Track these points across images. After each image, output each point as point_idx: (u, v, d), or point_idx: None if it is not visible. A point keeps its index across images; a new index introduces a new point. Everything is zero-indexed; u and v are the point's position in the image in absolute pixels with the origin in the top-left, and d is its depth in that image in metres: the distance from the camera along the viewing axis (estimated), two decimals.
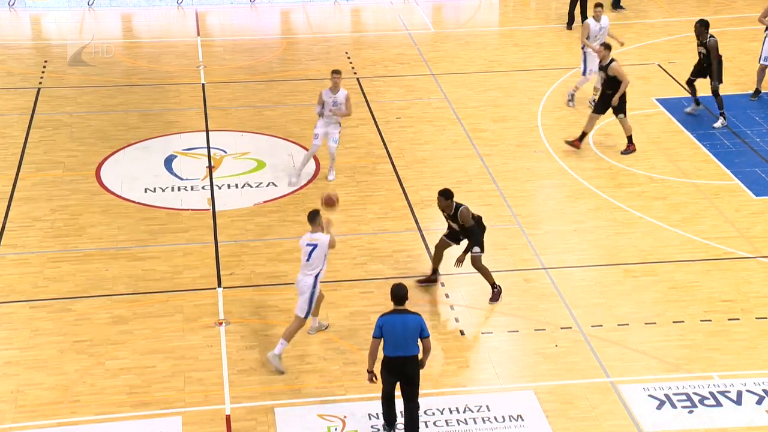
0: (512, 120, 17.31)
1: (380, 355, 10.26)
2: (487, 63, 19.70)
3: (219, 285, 12.94)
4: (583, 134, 16.01)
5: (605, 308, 12.46)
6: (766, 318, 12.25)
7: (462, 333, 12.06)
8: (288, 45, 20.74)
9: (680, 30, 21.22)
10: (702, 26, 16.64)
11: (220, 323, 12.19)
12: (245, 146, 16.29)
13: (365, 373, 10.60)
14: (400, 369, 10.21)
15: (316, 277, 11.45)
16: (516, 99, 18.13)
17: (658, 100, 17.89)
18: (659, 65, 19.40)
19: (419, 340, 10.18)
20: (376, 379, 10.36)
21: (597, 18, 17.27)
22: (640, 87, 18.45)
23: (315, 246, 11.36)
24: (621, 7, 22.25)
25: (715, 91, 16.69)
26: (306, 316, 11.50)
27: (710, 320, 12.23)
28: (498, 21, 22.48)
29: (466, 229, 12.47)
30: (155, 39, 21.06)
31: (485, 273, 12.59)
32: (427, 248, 13.57)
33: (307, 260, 11.39)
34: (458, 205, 12.41)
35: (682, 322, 12.20)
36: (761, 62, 17.61)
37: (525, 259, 13.46)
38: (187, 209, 14.51)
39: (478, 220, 12.54)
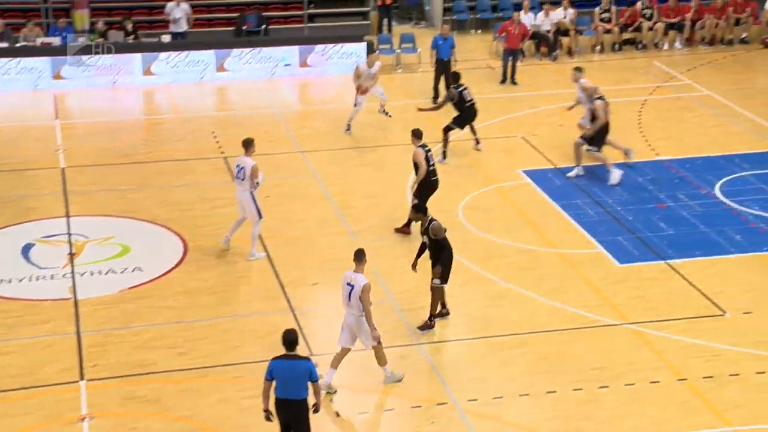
0: (382, 196, 17.31)
1: None
2: (356, 140, 19.71)
3: (82, 378, 12.35)
4: None
5: (479, 382, 12.37)
6: (634, 384, 12.35)
7: (338, 414, 11.78)
8: (151, 126, 20.39)
9: (540, 102, 21.76)
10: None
11: (83, 418, 11.60)
12: (109, 231, 15.79)
13: None
14: (288, 411, 10.49)
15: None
16: (385, 174, 18.15)
17: (524, 171, 18.19)
18: (523, 138, 19.79)
19: (310, 384, 10.44)
20: (272, 416, 10.57)
21: (370, 65, 19.55)
22: (505, 159, 18.74)
23: (353, 287, 11.84)
24: (514, 83, 22.75)
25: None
26: (379, 342, 12.03)
27: (581, 389, 12.26)
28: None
29: (437, 242, 13.04)
30: (11, 123, 20.42)
31: (434, 302, 13.20)
32: (301, 329, 13.28)
33: (348, 300, 11.92)
34: (432, 219, 13.22)
35: (554, 392, 12.20)
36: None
37: (400, 335, 13.32)
38: (47, 299, 13.91)
39: (448, 249, 13.09)
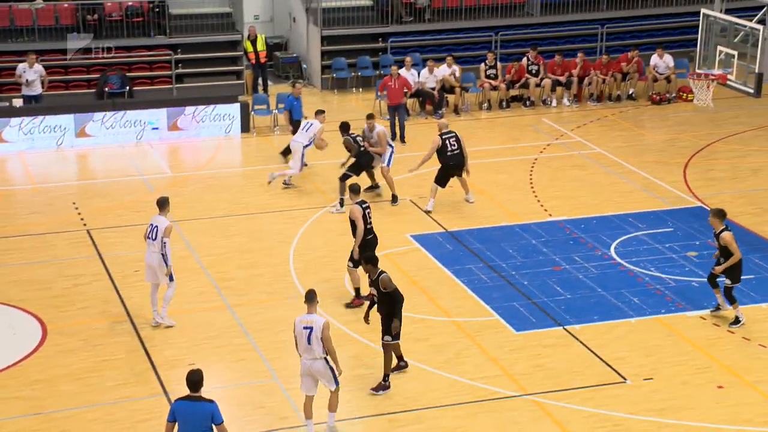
0: (262, 266, 17.02)
1: None
2: (231, 206, 19.44)
3: None
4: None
5: None
6: None
7: None
8: (3, 198, 19.66)
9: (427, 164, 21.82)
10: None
11: None
12: None
13: None
14: None
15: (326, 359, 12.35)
16: (264, 243, 17.90)
17: (413, 236, 18.16)
18: (410, 200, 19.80)
19: (214, 426, 10.57)
20: None
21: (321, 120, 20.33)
22: (393, 223, 18.70)
23: (311, 329, 12.25)
24: (403, 142, 22.85)
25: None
26: (338, 385, 12.47)
27: None
28: (241, 161, 22.38)
29: (387, 295, 13.40)
30: None
31: (387, 362, 13.45)
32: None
33: (308, 344, 12.28)
34: (381, 272, 13.52)
35: None
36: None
37: (284, 417, 12.97)
38: None
39: (401, 297, 13.47)
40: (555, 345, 14.76)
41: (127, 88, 24.37)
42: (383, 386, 13.52)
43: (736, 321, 15.21)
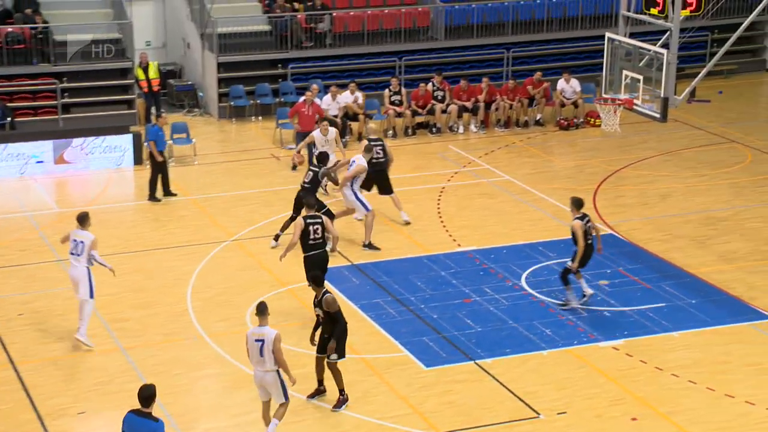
0: (157, 305, 16.83)
1: None
2: (124, 242, 19.23)
3: None
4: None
5: None
6: None
7: None
8: None
9: (333, 193, 21.90)
10: None
11: None
12: None
13: None
14: None
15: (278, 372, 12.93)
16: (160, 281, 17.70)
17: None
18: None
19: None
20: None
21: (323, 132, 20.53)
22: (295, 258, 18.61)
23: (263, 341, 12.80)
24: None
25: None
26: (288, 399, 13.07)
27: None
28: (134, 194, 22.13)
29: (330, 316, 13.81)
30: None
31: (336, 378, 13.98)
32: None
33: (260, 356, 12.85)
34: (326, 292, 13.93)
35: None
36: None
37: None
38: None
39: (344, 321, 13.94)
40: (466, 380, 14.87)
41: (9, 119, 23.93)
42: (342, 401, 14.10)
43: (565, 304, 16.43)
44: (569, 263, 16.49)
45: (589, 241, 16.38)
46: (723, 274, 18.17)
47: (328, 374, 14.12)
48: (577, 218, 16.40)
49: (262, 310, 13.04)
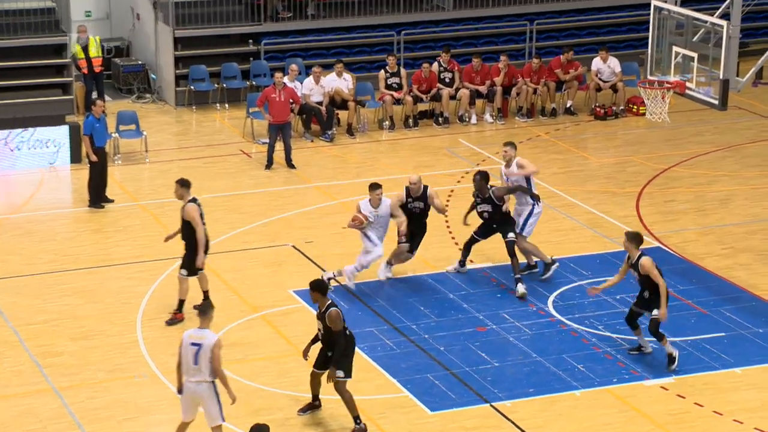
0: (100, 336, 16.87)
1: None
2: (59, 258, 19.26)
3: None
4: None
5: None
6: None
7: None
8: None
9: (315, 198, 21.94)
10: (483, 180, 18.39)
11: None
12: None
13: None
14: None
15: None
16: (103, 305, 17.74)
17: (296, 292, 18.18)
18: (294, 246, 19.82)
19: None
20: None
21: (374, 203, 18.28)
22: (272, 276, 18.70)
23: (200, 346, 13.19)
24: (292, 166, 23.13)
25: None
26: (223, 420, 13.50)
27: None
28: (71, 200, 22.14)
29: (332, 334, 14.38)
30: None
31: (348, 402, 14.44)
32: None
33: (194, 363, 13.22)
34: (330, 305, 14.49)
35: None
36: None
37: None
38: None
39: (350, 338, 14.55)
40: (480, 427, 14.86)
41: None
42: (360, 429, 14.47)
43: (671, 360, 15.96)
44: (656, 313, 15.92)
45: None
46: None
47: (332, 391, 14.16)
48: (642, 256, 16.00)
49: (204, 310, 13.53)
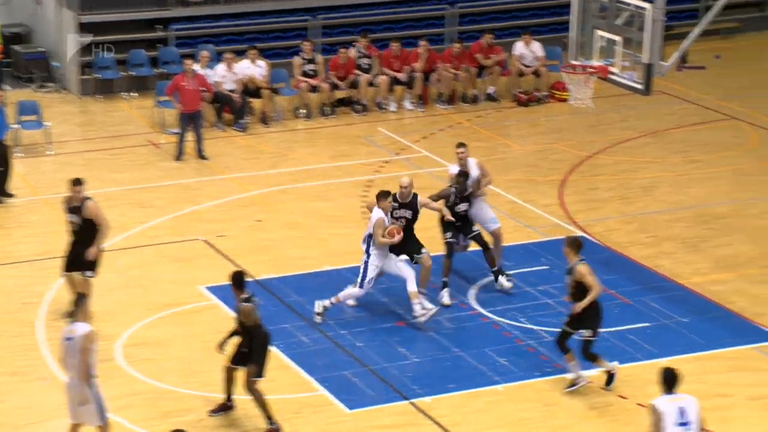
0: None
1: None
2: None
3: None
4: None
5: None
6: None
7: None
8: None
9: (229, 189, 21.83)
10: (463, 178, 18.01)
11: None
12: None
13: None
14: None
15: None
16: (2, 306, 17.60)
17: (208, 288, 18.12)
18: (205, 241, 19.73)
19: None
20: None
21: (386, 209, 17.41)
22: (181, 272, 18.61)
23: (71, 339, 13.25)
24: (203, 157, 22.95)
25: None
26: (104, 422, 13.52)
27: None
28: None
29: (246, 330, 14.43)
30: None
31: (260, 402, 14.44)
32: None
33: (70, 359, 13.29)
34: (245, 299, 14.46)
35: None
36: None
37: None
38: None
39: (264, 334, 14.53)
40: (399, 425, 14.88)
41: None
42: (273, 430, 14.43)
43: (610, 379, 15.66)
44: (585, 333, 15.30)
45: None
46: (721, 284, 18.43)
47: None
48: (583, 261, 15.28)
49: (78, 302, 13.65)
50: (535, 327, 17.12)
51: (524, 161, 23.36)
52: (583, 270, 15.13)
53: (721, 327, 17.21)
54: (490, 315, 17.44)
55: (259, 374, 14.53)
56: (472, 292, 18.08)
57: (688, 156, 23.57)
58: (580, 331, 15.30)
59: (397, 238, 17.04)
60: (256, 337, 14.55)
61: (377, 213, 17.10)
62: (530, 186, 21.94)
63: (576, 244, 15.42)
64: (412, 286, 16.97)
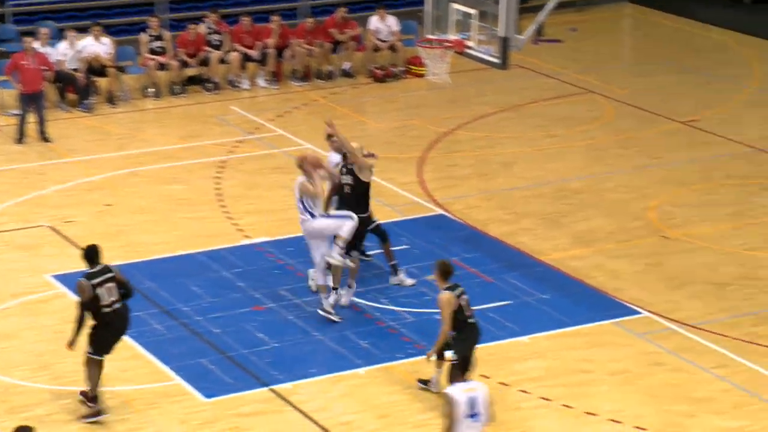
0: None
1: None
2: None
3: None
4: None
5: None
6: None
7: None
8: None
9: (74, 173, 21.61)
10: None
11: None
12: None
13: None
14: None
15: None
16: None
17: (55, 276, 17.98)
18: (51, 227, 19.54)
19: None
20: None
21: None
22: (26, 260, 18.46)
23: None
24: (46, 139, 22.49)
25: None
26: None
27: None
28: None
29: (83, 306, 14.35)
30: None
31: (90, 379, 14.41)
32: None
33: None
34: (86, 272, 14.49)
35: None
36: None
37: None
38: None
39: (111, 314, 14.39)
40: (260, 412, 14.94)
41: None
42: (91, 409, 14.47)
43: (425, 382, 15.36)
44: (451, 355, 14.74)
45: (471, 320, 14.83)
46: (581, 260, 18.85)
47: None
48: (447, 289, 14.75)
49: None
50: (396, 308, 17.30)
51: (382, 138, 23.54)
52: (443, 301, 14.61)
53: (581, 303, 17.61)
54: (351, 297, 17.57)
55: (96, 351, 14.47)
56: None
57: (546, 131, 23.99)
58: (449, 352, 14.95)
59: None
60: (78, 313, 14.46)
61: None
62: (388, 163, 22.10)
63: (442, 270, 14.81)
64: (320, 280, 16.99)
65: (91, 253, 14.61)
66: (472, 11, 19.63)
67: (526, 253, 18.99)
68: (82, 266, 18.07)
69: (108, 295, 14.43)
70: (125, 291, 14.70)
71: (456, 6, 19.90)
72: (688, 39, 29.88)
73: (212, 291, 17.66)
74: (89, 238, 18.82)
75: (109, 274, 14.51)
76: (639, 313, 17.30)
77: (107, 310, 14.44)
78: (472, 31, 19.77)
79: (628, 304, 17.53)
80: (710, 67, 27.69)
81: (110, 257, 18.31)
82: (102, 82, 25.06)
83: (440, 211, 20.30)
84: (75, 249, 18.65)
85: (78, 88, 24.56)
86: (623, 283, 18.13)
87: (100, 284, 14.39)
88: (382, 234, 17.81)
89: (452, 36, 20.00)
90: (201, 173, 21.71)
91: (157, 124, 24.18)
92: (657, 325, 17.01)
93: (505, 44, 19.07)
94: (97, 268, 14.53)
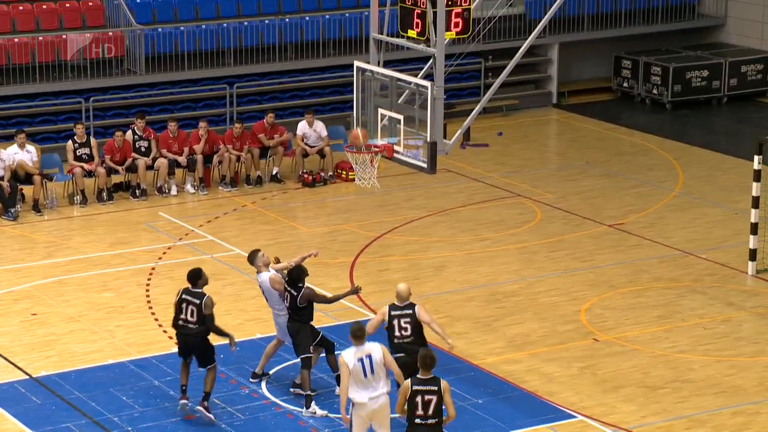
0: None
1: None
2: None
3: None
4: None
5: None
6: None
7: None
8: None
9: (2, 284, 21.39)
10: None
11: None
12: None
13: None
14: None
15: None
16: None
17: None
18: None
19: None
20: None
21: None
22: None
23: None
24: None
25: None
26: None
27: None
28: None
29: None
30: None
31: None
32: None
33: None
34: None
35: None
36: None
37: None
38: None
39: None
40: None
41: None
42: None
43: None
44: None
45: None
46: (515, 363, 18.91)
47: None
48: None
49: None
50: (330, 414, 17.23)
51: (313, 243, 23.54)
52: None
53: (516, 407, 17.63)
54: (283, 404, 17.48)
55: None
56: (263, 382, 18.11)
57: (476, 234, 24.18)
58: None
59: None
60: None
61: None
62: (320, 269, 22.07)
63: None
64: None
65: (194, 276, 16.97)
66: (398, 116, 19.80)
67: (460, 357, 19.02)
68: (11, 377, 17.98)
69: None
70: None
71: (383, 111, 20.08)
72: (612, 143, 30.34)
73: (143, 400, 17.51)
74: (18, 350, 18.78)
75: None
76: (574, 417, 17.37)
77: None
78: (400, 136, 19.93)
79: (562, 408, 17.59)
80: (635, 171, 28.10)
81: (39, 367, 18.23)
82: (27, 190, 24.96)
83: (373, 316, 20.29)
84: (2, 362, 18.46)
85: (2, 196, 24.43)
86: (557, 386, 18.20)
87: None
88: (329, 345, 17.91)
89: (380, 141, 20.16)
90: (130, 280, 21.62)
91: (86, 231, 24.07)
92: (592, 429, 17.07)
93: (432, 149, 19.24)
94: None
